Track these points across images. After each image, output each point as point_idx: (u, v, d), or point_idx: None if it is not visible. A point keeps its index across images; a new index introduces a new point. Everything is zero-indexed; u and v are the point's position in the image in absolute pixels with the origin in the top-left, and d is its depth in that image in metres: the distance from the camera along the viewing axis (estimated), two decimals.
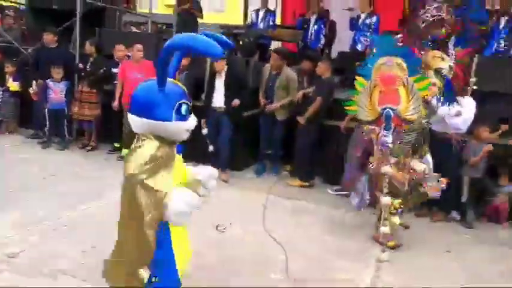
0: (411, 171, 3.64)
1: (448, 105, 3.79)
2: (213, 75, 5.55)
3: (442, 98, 3.73)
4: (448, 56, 3.74)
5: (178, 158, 2.28)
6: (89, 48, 6.46)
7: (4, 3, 10.34)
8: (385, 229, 3.66)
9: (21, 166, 5.45)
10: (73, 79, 6.62)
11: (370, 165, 3.75)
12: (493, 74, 4.99)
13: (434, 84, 3.60)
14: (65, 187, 4.83)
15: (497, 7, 6.04)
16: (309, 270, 3.41)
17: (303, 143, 5.42)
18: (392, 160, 3.61)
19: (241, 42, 7.28)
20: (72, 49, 7.04)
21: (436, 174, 3.79)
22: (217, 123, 5.49)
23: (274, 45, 8.20)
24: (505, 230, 4.55)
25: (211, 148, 5.50)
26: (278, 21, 8.68)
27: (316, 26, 7.47)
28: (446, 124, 4.16)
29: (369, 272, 3.48)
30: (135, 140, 2.17)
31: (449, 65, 3.68)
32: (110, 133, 6.46)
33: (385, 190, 3.59)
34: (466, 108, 4.14)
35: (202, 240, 3.47)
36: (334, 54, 7.77)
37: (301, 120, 5.33)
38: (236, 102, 5.37)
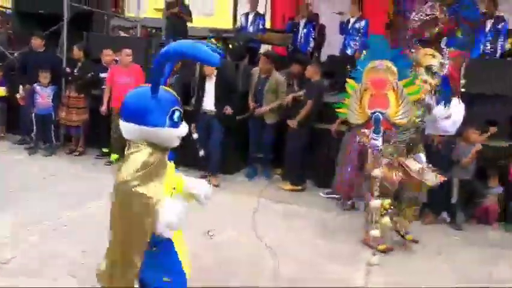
0: (406, 171, 3.65)
1: (444, 104, 3.81)
2: (203, 78, 5.52)
3: (434, 97, 3.74)
4: (442, 54, 3.76)
5: (170, 165, 2.26)
6: (77, 52, 6.40)
7: None
8: (375, 232, 3.65)
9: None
10: (60, 84, 6.54)
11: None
12: (480, 76, 5.03)
13: (425, 82, 3.61)
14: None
15: (484, 10, 6.11)
16: (300, 274, 3.39)
17: (294, 147, 5.41)
18: (385, 161, 3.62)
19: (230, 46, 7.27)
20: (60, 53, 6.96)
21: (432, 169, 3.80)
22: (208, 127, 5.46)
23: (264, 48, 8.21)
24: (495, 232, 4.58)
25: (202, 153, 5.47)
26: (268, 24, 8.69)
27: (305, 30, 7.49)
28: (436, 126, 4.18)
29: (360, 275, 3.47)
30: (127, 147, 2.14)
31: (440, 62, 3.69)
32: (98, 138, 6.40)
33: (376, 193, 3.59)
34: (455, 110, 4.16)
35: (194, 244, 3.44)
36: (323, 57, 7.80)
37: (292, 123, 5.32)
38: (229, 110, 5.38)
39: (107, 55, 6.33)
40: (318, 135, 5.47)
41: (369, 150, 3.67)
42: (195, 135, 5.41)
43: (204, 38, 6.48)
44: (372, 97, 3.50)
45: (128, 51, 5.99)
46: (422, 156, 3.89)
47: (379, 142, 3.49)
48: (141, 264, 2.05)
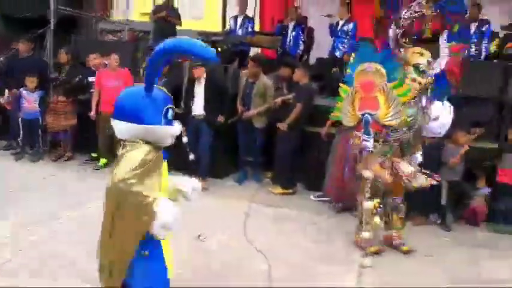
0: (398, 172, 3.68)
1: (440, 100, 3.84)
2: (192, 82, 5.50)
3: (425, 97, 3.77)
4: (441, 50, 3.81)
5: (164, 165, 2.26)
6: (64, 56, 6.33)
7: None
8: (366, 234, 3.67)
9: None
10: (47, 89, 6.46)
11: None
12: (465, 79, 5.09)
13: (414, 80, 3.64)
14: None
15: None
16: (292, 276, 3.39)
17: (283, 150, 5.41)
18: (379, 159, 3.64)
19: (219, 49, 7.25)
20: (45, 57, 6.87)
21: (423, 172, 3.83)
22: (197, 131, 5.43)
23: (254, 51, 8.21)
24: (483, 232, 4.63)
25: (192, 156, 5.44)
26: (257, 27, 8.69)
27: (294, 33, 7.51)
28: (425, 128, 4.21)
29: (352, 277, 3.48)
30: (121, 146, 2.12)
31: (428, 60, 3.72)
32: (87, 143, 6.34)
33: (367, 195, 3.61)
34: (443, 113, 4.21)
35: (184, 249, 3.42)
36: (312, 60, 7.83)
37: (282, 126, 5.32)
38: (221, 118, 5.40)
39: (94, 59, 6.28)
40: (308, 138, 5.48)
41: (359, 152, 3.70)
42: (185, 139, 5.38)
43: None
44: (362, 99, 3.54)
45: (117, 57, 5.99)
46: (419, 156, 3.92)
47: (369, 143, 3.52)
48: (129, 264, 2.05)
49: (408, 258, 3.86)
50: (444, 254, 3.99)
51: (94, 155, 6.21)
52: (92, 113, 6.01)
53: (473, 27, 6.20)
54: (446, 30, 3.89)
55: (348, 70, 5.10)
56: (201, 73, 5.38)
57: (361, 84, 3.53)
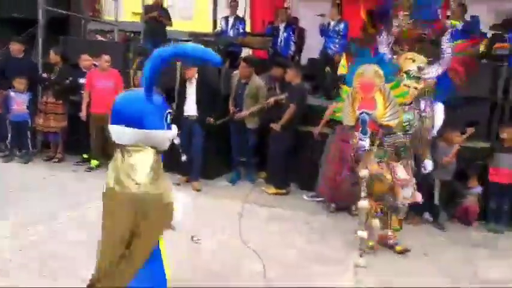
0: (395, 175, 3.70)
1: (443, 101, 3.87)
2: (184, 82, 5.46)
3: (423, 101, 3.80)
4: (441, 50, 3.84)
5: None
6: (54, 57, 6.24)
7: None
8: (362, 233, 3.67)
9: None
10: (36, 90, 6.37)
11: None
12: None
13: (408, 87, 3.67)
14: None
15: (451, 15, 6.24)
16: (286, 277, 3.37)
17: (277, 150, 5.40)
18: (376, 160, 3.67)
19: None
20: (35, 58, 6.78)
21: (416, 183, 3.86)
22: (190, 132, 5.40)
23: (245, 52, 8.19)
24: (476, 231, 4.67)
25: (184, 157, 5.37)
26: (248, 28, 8.68)
27: (285, 34, 7.50)
28: (429, 131, 4.23)
29: (347, 276, 3.48)
30: (119, 152, 2.06)
31: (418, 66, 3.75)
32: (78, 144, 6.26)
33: (363, 194, 3.62)
34: (436, 112, 4.23)
35: (178, 249, 3.38)
36: (304, 60, 7.84)
37: (275, 127, 5.31)
38: (211, 120, 5.39)
39: (85, 60, 6.22)
40: (301, 138, 5.48)
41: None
42: (177, 140, 5.32)
43: (184, 41, 6.43)
44: (361, 100, 3.58)
45: (108, 57, 5.93)
46: (429, 164, 3.95)
47: (366, 143, 3.54)
48: None
49: (404, 257, 3.87)
50: (439, 253, 4.02)
51: (85, 156, 6.14)
52: (82, 114, 5.94)
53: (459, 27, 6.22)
54: (449, 31, 3.91)
55: (342, 70, 5.15)
56: (192, 74, 5.35)
57: (360, 84, 3.57)
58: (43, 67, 6.52)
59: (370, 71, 3.52)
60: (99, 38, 10.98)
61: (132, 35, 11.74)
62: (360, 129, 3.55)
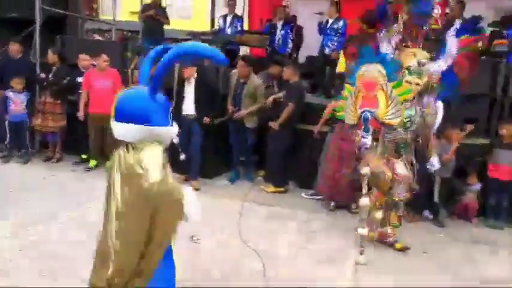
0: (395, 171, 3.70)
1: (448, 98, 3.88)
2: (182, 82, 5.44)
3: (426, 97, 3.78)
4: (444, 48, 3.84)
5: None
6: (52, 57, 6.21)
7: None
8: (362, 231, 3.66)
9: None
10: (34, 90, 6.35)
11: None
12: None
13: (410, 83, 3.65)
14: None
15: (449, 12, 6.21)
16: (286, 275, 3.37)
17: (275, 149, 5.39)
18: (376, 155, 3.67)
19: None
20: (32, 58, 6.75)
21: (408, 181, 3.85)
22: (188, 131, 5.39)
23: (244, 50, 8.17)
24: (476, 228, 4.67)
25: (183, 157, 5.36)
26: (245, 26, 8.66)
27: (283, 32, 7.49)
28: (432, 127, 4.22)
29: (346, 274, 3.48)
30: (127, 148, 2.02)
31: (417, 61, 3.73)
32: (76, 144, 6.24)
33: (364, 191, 3.62)
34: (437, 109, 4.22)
35: (177, 249, 3.37)
36: (302, 59, 7.82)
37: (274, 125, 5.30)
38: (207, 120, 5.36)
39: (84, 60, 6.20)
40: (300, 136, 5.47)
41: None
42: (176, 139, 5.31)
43: (183, 40, 6.41)
44: (363, 98, 3.59)
45: (106, 57, 5.91)
46: (435, 162, 3.96)
47: (368, 141, 3.55)
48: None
49: (404, 255, 3.87)
50: (439, 250, 4.02)
51: (84, 156, 6.12)
52: (80, 114, 5.93)
53: (457, 24, 6.20)
54: (454, 24, 3.90)
55: (340, 67, 5.13)
56: (191, 73, 5.33)
57: (363, 83, 3.58)
58: (41, 67, 6.49)
59: (373, 70, 3.52)
60: (97, 37, 10.96)
61: (130, 34, 11.71)
62: (363, 127, 3.55)
